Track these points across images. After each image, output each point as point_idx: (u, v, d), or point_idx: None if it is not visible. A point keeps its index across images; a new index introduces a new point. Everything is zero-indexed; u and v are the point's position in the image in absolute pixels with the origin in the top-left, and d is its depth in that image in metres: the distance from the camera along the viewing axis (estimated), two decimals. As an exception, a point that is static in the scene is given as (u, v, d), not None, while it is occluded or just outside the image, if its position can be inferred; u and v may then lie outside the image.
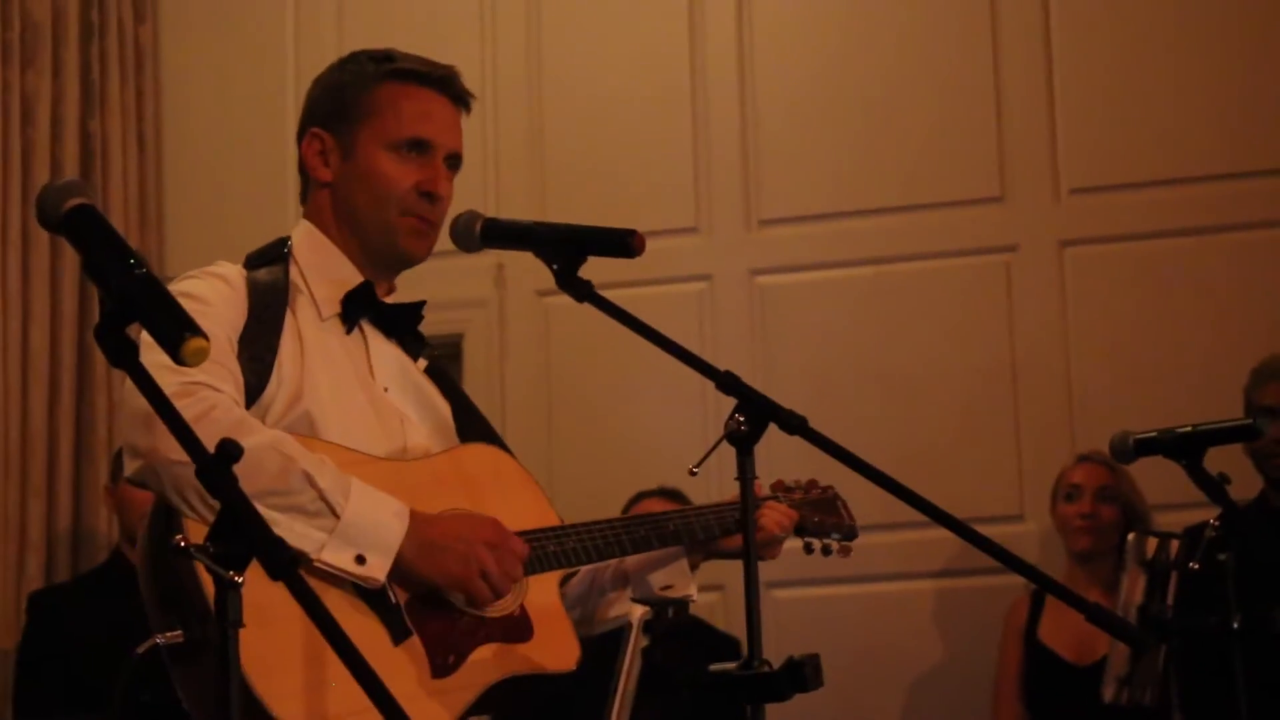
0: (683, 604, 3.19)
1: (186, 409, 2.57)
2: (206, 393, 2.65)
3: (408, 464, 2.91)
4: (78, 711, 4.91)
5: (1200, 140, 5.74)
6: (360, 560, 2.69)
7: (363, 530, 2.69)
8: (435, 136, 3.01)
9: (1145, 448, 3.60)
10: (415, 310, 3.09)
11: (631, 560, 3.16)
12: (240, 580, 2.01)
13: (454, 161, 3.06)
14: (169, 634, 2.61)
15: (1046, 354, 5.78)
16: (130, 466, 2.68)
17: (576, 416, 6.07)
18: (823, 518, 3.34)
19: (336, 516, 2.66)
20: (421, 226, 3.00)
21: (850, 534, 3.39)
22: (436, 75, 3.05)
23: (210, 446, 2.35)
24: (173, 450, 2.56)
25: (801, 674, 2.59)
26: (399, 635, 2.74)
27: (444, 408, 3.12)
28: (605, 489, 5.49)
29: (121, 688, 2.75)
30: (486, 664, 2.83)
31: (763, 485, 3.24)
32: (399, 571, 2.74)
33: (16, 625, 5.47)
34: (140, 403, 2.59)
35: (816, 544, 3.34)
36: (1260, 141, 5.70)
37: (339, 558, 2.67)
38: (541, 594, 2.96)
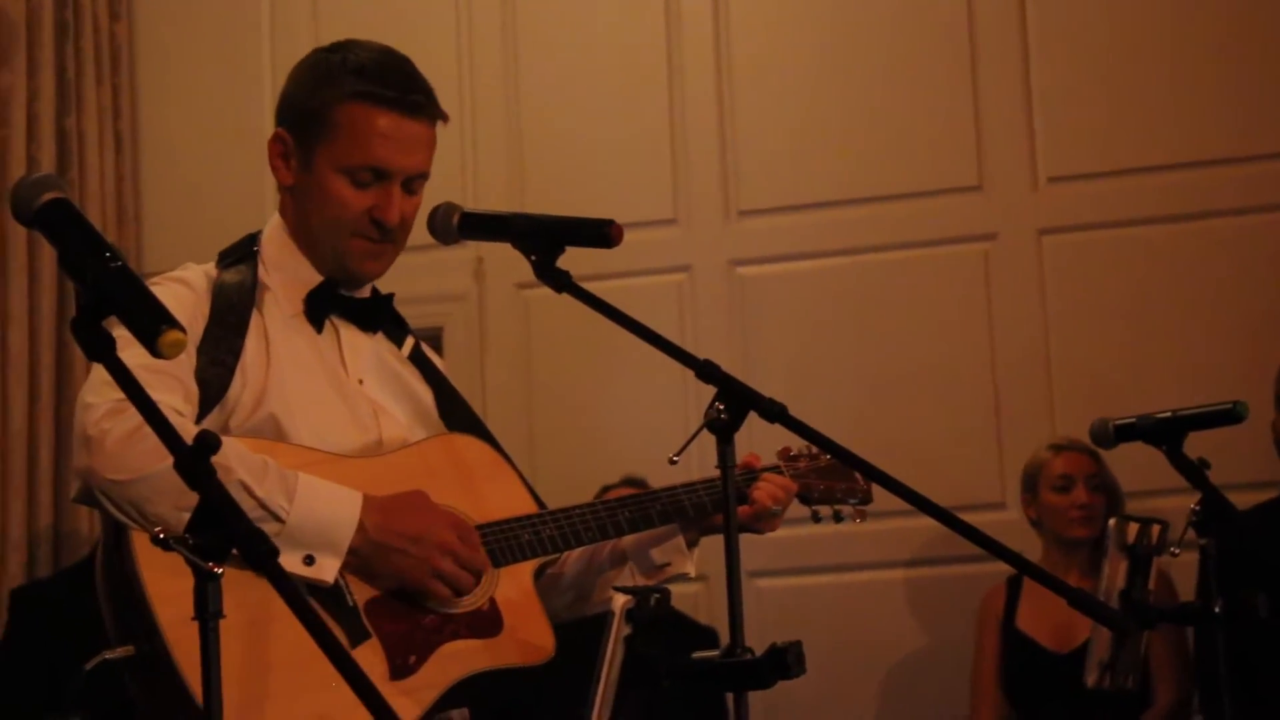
0: (667, 593, 3.17)
1: (116, 427, 2.57)
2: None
3: (378, 459, 2.88)
4: (61, 708, 4.89)
5: (1178, 128, 5.74)
6: (309, 561, 2.68)
7: (310, 531, 2.68)
8: (394, 164, 2.92)
9: (1125, 433, 3.60)
10: (385, 302, 3.07)
11: (628, 538, 3.13)
12: (220, 571, 2.00)
13: (420, 179, 2.98)
14: (119, 649, 2.62)
15: (1026, 342, 5.78)
16: (73, 488, 2.68)
17: (557, 408, 6.07)
18: (831, 484, 3.26)
19: (280, 521, 2.65)
20: (374, 248, 2.95)
21: (865, 498, 3.30)
22: (409, 101, 2.94)
23: (142, 462, 2.33)
24: (108, 469, 2.59)
25: (784, 661, 2.59)
26: (356, 638, 2.71)
27: (426, 395, 3.10)
28: (587, 481, 5.48)
29: (72, 699, 2.76)
30: (450, 662, 2.79)
31: (759, 459, 3.20)
32: (352, 568, 2.73)
33: (-1, 623, 5.46)
34: (79, 425, 2.63)
35: (825, 511, 3.25)
36: (1238, 128, 5.70)
37: (286, 560, 2.62)
38: (514, 585, 2.92)
